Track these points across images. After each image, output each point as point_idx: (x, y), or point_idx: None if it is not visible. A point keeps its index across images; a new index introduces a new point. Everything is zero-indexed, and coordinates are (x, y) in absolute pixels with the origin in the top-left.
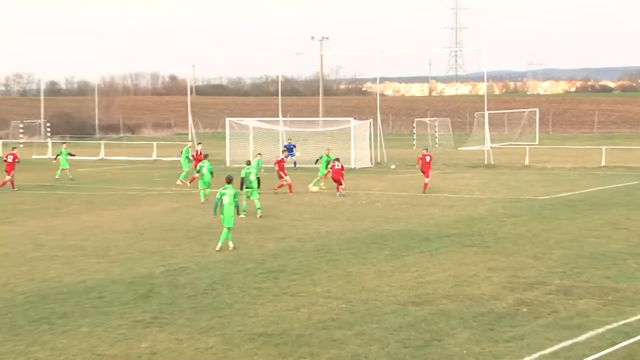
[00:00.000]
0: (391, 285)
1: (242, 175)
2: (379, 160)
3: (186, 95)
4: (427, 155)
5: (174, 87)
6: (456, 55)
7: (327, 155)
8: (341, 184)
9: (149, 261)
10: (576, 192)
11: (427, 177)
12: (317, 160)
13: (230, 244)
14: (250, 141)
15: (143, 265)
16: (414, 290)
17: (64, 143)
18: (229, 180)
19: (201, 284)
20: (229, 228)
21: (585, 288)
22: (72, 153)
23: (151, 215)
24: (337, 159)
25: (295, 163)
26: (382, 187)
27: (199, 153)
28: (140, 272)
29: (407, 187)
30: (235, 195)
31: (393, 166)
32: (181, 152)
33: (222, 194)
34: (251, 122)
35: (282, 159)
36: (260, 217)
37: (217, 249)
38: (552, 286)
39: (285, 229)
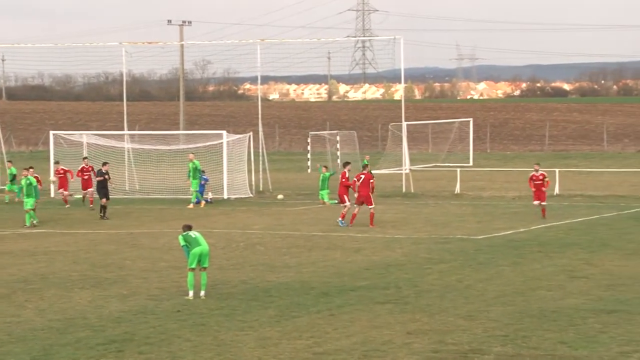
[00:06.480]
0: (278, 358)
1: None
2: (261, 189)
3: None
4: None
5: None
6: (363, 47)
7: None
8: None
9: None
10: (521, 230)
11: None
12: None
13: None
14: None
15: None
16: None
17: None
18: None
19: None
20: None
21: (534, 357)
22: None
23: None
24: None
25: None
26: (266, 225)
27: None
28: None
29: (299, 224)
30: None
31: (281, 196)
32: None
33: None
34: (85, 136)
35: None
36: None
37: None
38: (491, 355)
39: (132, 283)
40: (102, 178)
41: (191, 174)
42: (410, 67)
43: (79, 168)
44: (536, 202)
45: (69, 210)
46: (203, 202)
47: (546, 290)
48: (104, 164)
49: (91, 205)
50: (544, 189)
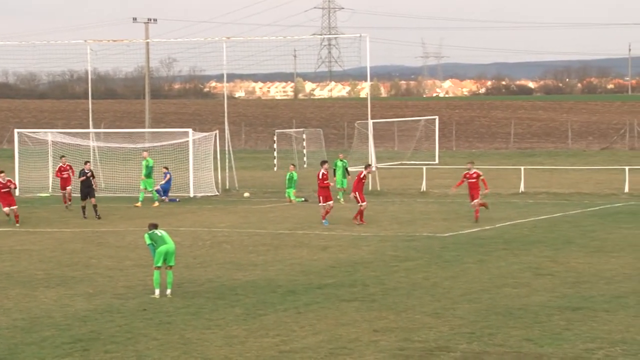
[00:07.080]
0: (244, 356)
1: None
2: (227, 187)
3: None
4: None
5: None
6: (329, 45)
7: (342, 161)
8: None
9: None
10: (487, 228)
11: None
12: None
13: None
14: (50, 161)
15: None
16: None
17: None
18: None
19: None
20: None
21: (500, 354)
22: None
23: None
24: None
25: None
26: (232, 223)
27: None
28: None
29: (265, 223)
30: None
31: (247, 194)
32: None
33: None
34: (50, 134)
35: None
36: None
37: None
38: (457, 352)
39: (98, 281)
40: (84, 177)
41: (144, 172)
42: (376, 65)
43: (57, 167)
44: (474, 202)
45: (34, 209)
46: (140, 204)
47: (512, 287)
48: (86, 162)
49: (69, 203)
50: (486, 191)
